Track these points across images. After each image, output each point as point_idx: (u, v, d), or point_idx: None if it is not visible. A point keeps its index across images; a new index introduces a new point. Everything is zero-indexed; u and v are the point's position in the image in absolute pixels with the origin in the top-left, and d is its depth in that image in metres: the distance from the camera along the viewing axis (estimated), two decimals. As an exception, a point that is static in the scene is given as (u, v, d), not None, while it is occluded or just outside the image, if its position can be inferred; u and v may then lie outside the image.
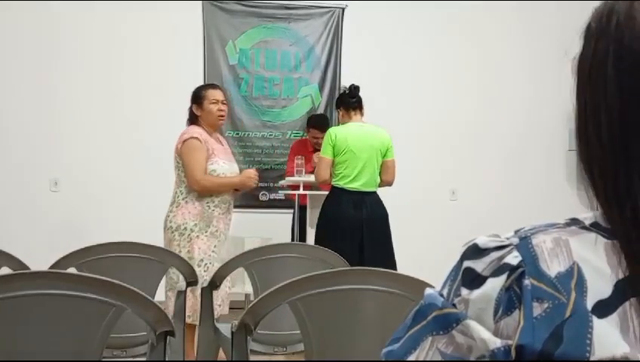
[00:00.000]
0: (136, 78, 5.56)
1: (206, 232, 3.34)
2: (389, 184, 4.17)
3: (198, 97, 3.55)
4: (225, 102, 3.58)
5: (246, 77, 5.80)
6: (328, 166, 3.97)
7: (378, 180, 4.05)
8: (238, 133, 5.77)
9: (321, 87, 5.90)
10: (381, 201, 4.07)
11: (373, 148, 3.98)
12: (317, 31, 5.93)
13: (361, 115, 4.10)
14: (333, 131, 4.01)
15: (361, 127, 4.02)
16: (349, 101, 4.10)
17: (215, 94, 3.54)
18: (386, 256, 3.91)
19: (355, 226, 3.89)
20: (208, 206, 3.38)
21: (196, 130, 3.47)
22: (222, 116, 3.55)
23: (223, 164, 3.45)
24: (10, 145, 5.38)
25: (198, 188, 3.37)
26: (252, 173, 3.55)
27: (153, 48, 5.59)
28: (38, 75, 5.42)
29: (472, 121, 6.03)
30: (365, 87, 5.84)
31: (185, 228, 3.32)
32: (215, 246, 3.35)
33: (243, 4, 5.78)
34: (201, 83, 5.70)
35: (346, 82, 5.83)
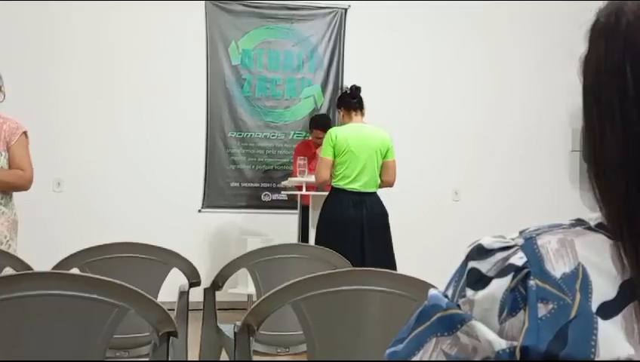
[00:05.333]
0: (139, 79, 5.57)
1: None
2: (390, 185, 4.16)
3: None
4: None
5: (249, 77, 5.80)
6: (328, 166, 3.96)
7: (378, 181, 4.03)
8: (240, 134, 5.77)
9: (323, 88, 5.90)
10: (381, 201, 4.06)
11: (373, 149, 3.96)
12: (320, 31, 5.93)
13: (362, 115, 4.08)
14: (334, 132, 3.99)
15: (362, 128, 4.01)
16: (350, 101, 4.09)
17: None
18: (386, 256, 3.90)
19: (356, 226, 3.88)
20: None
21: None
22: None
23: None
24: (14, 145, 5.38)
25: None
26: None
27: (156, 49, 5.59)
28: (40, 76, 5.43)
29: (474, 121, 6.02)
30: (368, 88, 5.83)
31: None
32: None
33: (246, 5, 5.79)
34: (204, 83, 5.74)
35: (348, 82, 5.83)
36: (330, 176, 3.99)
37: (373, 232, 3.92)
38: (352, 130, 3.99)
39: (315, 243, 3.89)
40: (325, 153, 3.96)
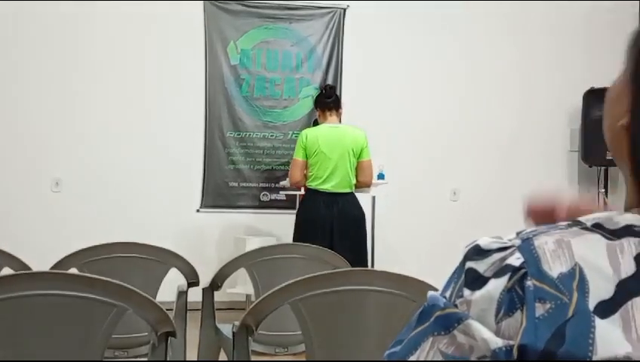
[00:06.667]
0: (138, 79, 5.57)
1: None
2: (367, 185, 4.16)
3: None
4: None
5: (247, 77, 5.80)
6: (300, 167, 4.00)
7: (353, 181, 4.04)
8: (239, 134, 5.78)
9: (322, 88, 5.90)
10: (357, 202, 4.07)
11: (346, 149, 3.97)
12: (318, 31, 5.93)
13: (338, 115, 4.10)
14: (305, 133, 4.04)
15: (334, 128, 4.03)
16: (325, 101, 4.11)
17: None
18: (355, 257, 3.87)
19: (325, 226, 3.91)
20: None
21: None
22: None
23: None
24: (12, 145, 5.38)
25: None
26: None
27: (155, 48, 5.59)
28: (39, 75, 5.42)
29: (473, 121, 6.03)
30: (367, 87, 5.87)
31: None
32: None
33: (244, 5, 5.79)
34: (203, 83, 5.74)
35: (347, 82, 5.84)
36: (306, 177, 4.02)
37: (344, 232, 3.93)
38: (324, 130, 4.01)
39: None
40: (296, 154, 4.02)
